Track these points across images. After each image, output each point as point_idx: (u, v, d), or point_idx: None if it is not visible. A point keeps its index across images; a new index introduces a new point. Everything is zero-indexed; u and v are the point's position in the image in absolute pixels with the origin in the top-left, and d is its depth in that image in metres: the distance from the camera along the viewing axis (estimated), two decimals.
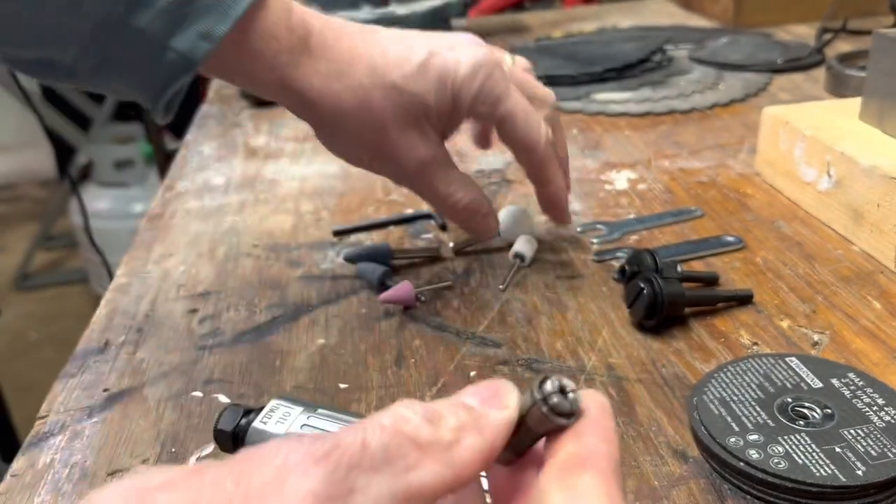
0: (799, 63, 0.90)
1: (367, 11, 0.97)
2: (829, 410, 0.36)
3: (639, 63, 0.91)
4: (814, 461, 0.33)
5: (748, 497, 0.33)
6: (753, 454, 0.33)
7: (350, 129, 0.45)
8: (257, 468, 0.18)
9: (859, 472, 0.32)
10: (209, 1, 0.40)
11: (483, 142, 0.56)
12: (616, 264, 0.52)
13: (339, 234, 0.59)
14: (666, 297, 0.44)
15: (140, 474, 0.18)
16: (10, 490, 0.37)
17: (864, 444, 0.33)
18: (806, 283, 0.49)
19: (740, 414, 0.36)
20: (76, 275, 2.49)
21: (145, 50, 0.41)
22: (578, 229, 0.57)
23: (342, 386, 0.43)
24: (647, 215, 0.59)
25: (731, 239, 0.54)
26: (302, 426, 0.34)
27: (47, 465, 0.39)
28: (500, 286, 0.50)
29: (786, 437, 0.34)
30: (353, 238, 0.59)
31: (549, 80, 0.88)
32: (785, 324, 0.45)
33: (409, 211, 0.62)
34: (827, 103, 0.64)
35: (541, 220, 0.56)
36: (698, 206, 0.59)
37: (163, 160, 1.83)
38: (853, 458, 0.33)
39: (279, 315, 0.50)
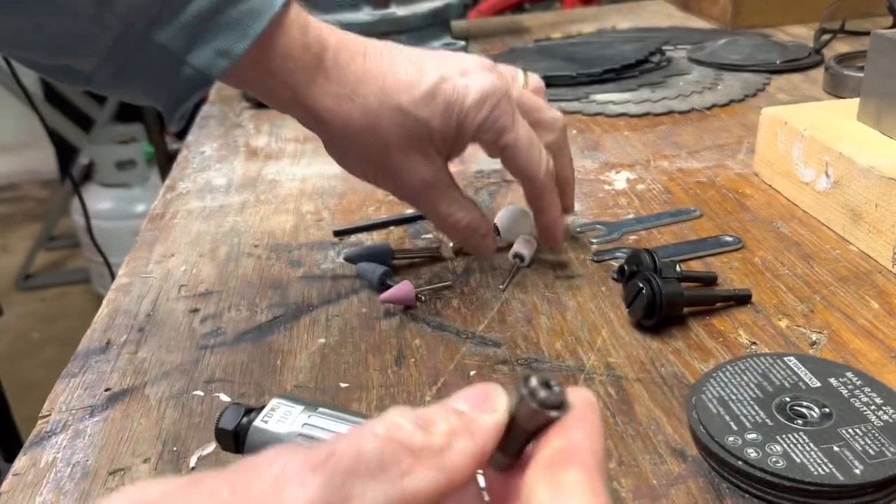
0: (797, 64, 0.91)
1: (367, 13, 0.97)
2: (827, 410, 0.36)
3: (638, 64, 0.91)
4: (812, 460, 0.33)
5: (746, 496, 0.34)
6: (752, 453, 0.34)
7: (357, 148, 0.47)
8: (254, 477, 0.18)
9: (857, 471, 0.32)
10: (229, 19, 0.41)
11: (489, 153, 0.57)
12: (615, 264, 0.52)
13: (340, 234, 0.59)
14: (665, 297, 0.44)
15: (137, 487, 0.18)
16: (12, 489, 0.37)
17: (862, 443, 0.34)
18: (804, 283, 0.49)
19: (739, 413, 0.36)
20: (78, 275, 2.49)
21: (163, 64, 0.42)
22: (578, 229, 0.57)
23: (343, 385, 0.43)
24: (645, 215, 0.59)
25: (729, 239, 0.54)
26: (303, 425, 0.34)
27: (49, 464, 0.39)
28: (500, 286, 0.51)
29: (784, 436, 0.34)
30: (354, 238, 0.59)
31: (549, 81, 0.88)
32: (783, 323, 0.45)
33: (410, 211, 0.62)
34: (825, 104, 0.64)
35: None
36: (697, 206, 0.60)
37: (164, 161, 1.84)
38: (851, 457, 0.33)
39: (280, 315, 0.50)
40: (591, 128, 0.78)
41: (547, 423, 0.21)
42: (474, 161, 0.71)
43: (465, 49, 1.02)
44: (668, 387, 0.41)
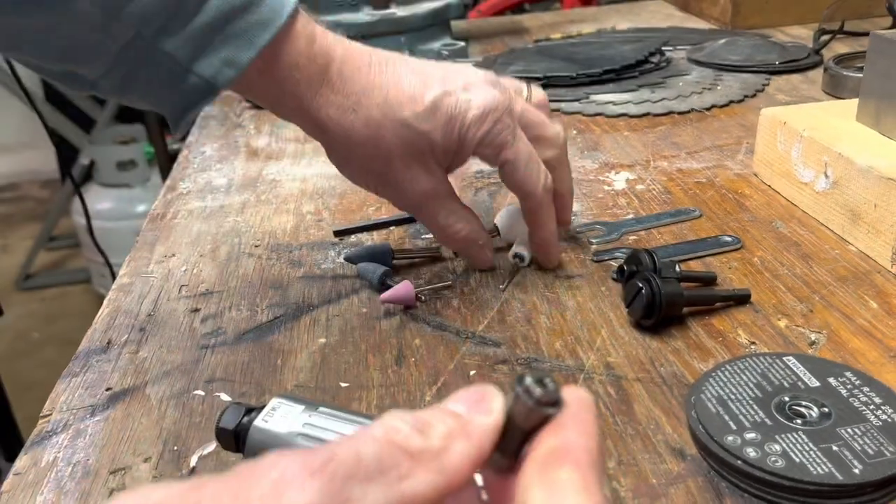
0: (796, 64, 0.91)
1: (367, 13, 0.98)
2: (826, 409, 0.36)
3: (637, 64, 0.91)
4: (811, 459, 0.33)
5: (746, 495, 0.34)
6: (751, 452, 0.34)
7: (359, 158, 0.47)
8: (255, 482, 0.18)
9: (856, 471, 0.32)
10: (236, 29, 0.42)
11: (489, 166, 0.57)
12: (615, 264, 0.52)
13: (340, 234, 0.59)
14: (664, 297, 0.44)
15: (138, 492, 0.19)
16: (13, 488, 0.38)
17: (861, 442, 0.34)
18: (803, 283, 0.49)
19: (738, 412, 0.36)
20: (78, 275, 2.50)
21: (169, 72, 0.42)
22: (578, 229, 0.57)
23: (343, 385, 0.43)
24: (645, 215, 0.59)
25: (728, 239, 0.54)
26: (303, 425, 0.34)
27: (50, 463, 0.39)
28: (501, 286, 0.51)
29: (783, 436, 0.34)
30: (354, 238, 0.59)
31: (549, 82, 0.89)
32: (782, 323, 0.45)
33: None
34: (824, 104, 0.64)
35: None
36: (696, 206, 0.60)
37: (165, 161, 1.84)
38: (850, 457, 0.33)
39: (280, 314, 0.50)
40: (591, 128, 0.78)
41: (543, 421, 0.21)
42: (474, 161, 0.71)
43: (464, 49, 1.02)
44: (668, 386, 0.41)
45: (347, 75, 0.45)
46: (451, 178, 0.51)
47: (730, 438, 0.35)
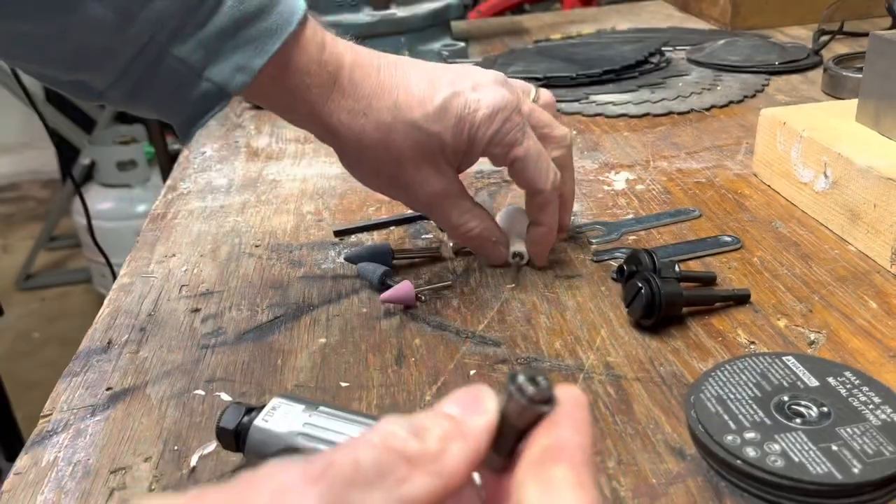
0: (796, 65, 0.91)
1: (367, 14, 0.98)
2: (826, 409, 0.36)
3: (637, 65, 0.91)
4: (810, 459, 0.33)
5: (745, 495, 0.34)
6: (750, 452, 0.34)
7: (371, 161, 0.48)
8: (255, 492, 0.19)
9: (855, 471, 0.32)
10: (248, 36, 0.42)
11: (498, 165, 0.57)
12: (614, 264, 0.52)
13: (340, 234, 0.59)
14: (664, 297, 0.44)
15: None
16: (13, 488, 0.38)
17: (861, 442, 0.34)
18: (803, 283, 0.49)
19: (737, 412, 0.36)
20: (79, 275, 2.50)
21: (181, 79, 0.42)
22: (578, 229, 0.58)
23: (343, 384, 0.43)
24: (645, 215, 0.59)
25: (728, 239, 0.54)
26: (304, 424, 0.34)
27: (51, 463, 0.39)
28: (510, 285, 0.51)
29: (782, 436, 0.34)
30: (354, 238, 0.59)
31: (549, 82, 0.89)
32: (782, 323, 0.45)
33: (410, 211, 0.62)
34: (824, 105, 0.64)
35: None
36: (696, 206, 0.60)
37: (165, 161, 1.84)
38: (849, 457, 0.33)
39: (281, 314, 0.50)
40: (591, 128, 0.78)
41: (537, 419, 0.22)
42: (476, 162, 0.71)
43: (464, 50, 1.02)
44: (667, 386, 0.41)
45: (357, 80, 0.46)
46: None
47: (729, 438, 0.35)
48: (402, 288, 0.49)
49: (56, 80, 0.44)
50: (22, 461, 0.39)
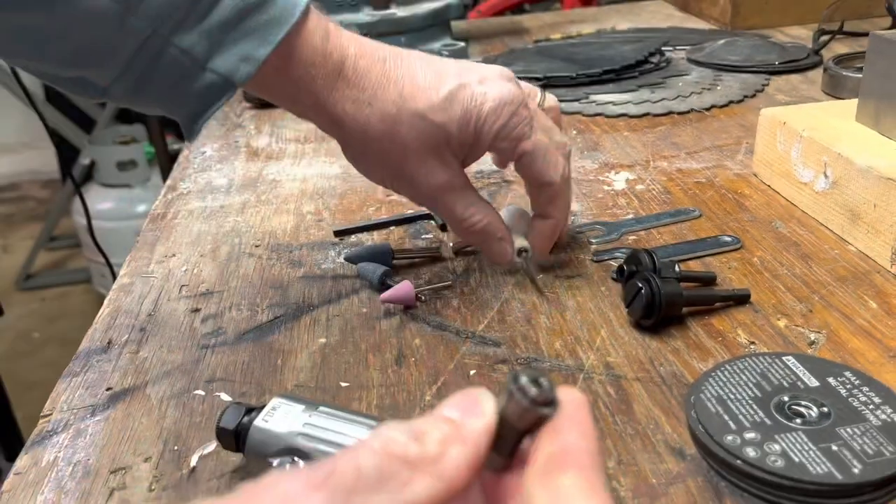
0: (796, 65, 0.91)
1: (367, 13, 0.98)
2: (826, 409, 0.36)
3: (637, 65, 0.92)
4: (810, 459, 0.33)
5: (745, 495, 0.34)
6: (750, 452, 0.34)
7: (375, 153, 0.47)
8: (259, 502, 0.19)
9: (855, 471, 0.32)
10: (251, 26, 0.42)
11: (502, 165, 0.57)
12: (614, 264, 0.52)
13: (340, 234, 0.59)
14: (664, 297, 0.44)
15: None
16: (13, 488, 0.38)
17: (861, 442, 0.34)
18: (803, 283, 0.49)
19: (737, 412, 0.36)
20: (79, 275, 2.50)
21: (185, 72, 0.42)
22: (578, 229, 0.58)
23: (343, 384, 0.43)
24: (645, 215, 0.59)
25: (728, 239, 0.54)
26: (304, 424, 0.34)
27: (51, 463, 0.39)
28: (539, 277, 0.51)
29: (782, 436, 0.34)
30: (354, 238, 0.59)
31: (549, 82, 0.89)
32: (782, 323, 0.45)
33: (410, 211, 0.62)
34: (824, 104, 0.64)
35: None
36: (696, 206, 0.60)
37: (165, 161, 1.84)
38: (849, 457, 0.33)
39: (281, 314, 0.50)
40: (591, 128, 0.78)
41: (538, 421, 0.21)
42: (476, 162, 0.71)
43: (464, 50, 1.02)
44: (667, 386, 0.41)
45: (363, 70, 0.45)
46: None
47: (729, 438, 0.35)
48: (402, 288, 0.49)
49: (57, 77, 0.44)
50: (22, 461, 0.39)
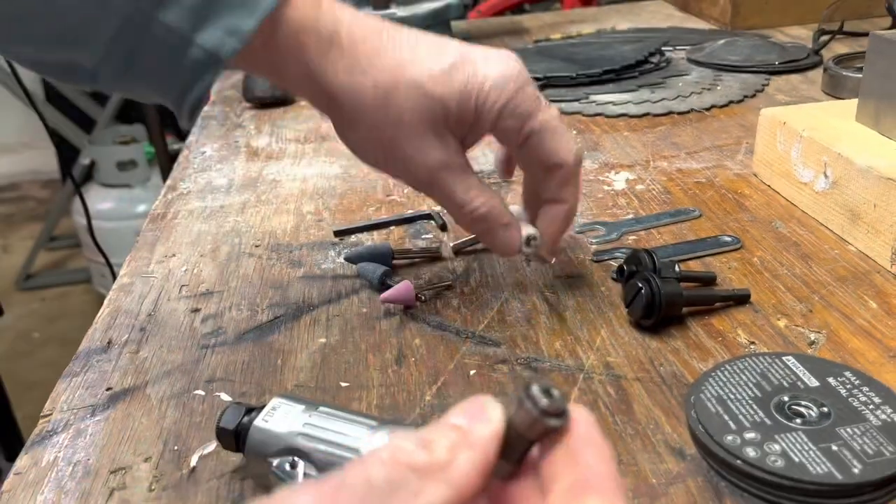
0: (796, 65, 0.91)
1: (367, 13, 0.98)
2: (826, 409, 0.36)
3: (637, 65, 0.91)
4: (810, 459, 0.33)
5: (745, 495, 0.34)
6: (750, 452, 0.34)
7: (369, 127, 0.44)
8: None
9: (855, 471, 0.32)
10: None
11: (506, 169, 0.54)
12: (614, 264, 0.52)
13: (340, 234, 0.59)
14: (664, 297, 0.44)
15: None
16: (13, 488, 0.38)
17: (861, 442, 0.34)
18: (803, 283, 0.49)
19: (737, 412, 0.36)
20: (79, 275, 2.50)
21: (170, 48, 0.40)
22: (577, 229, 0.58)
23: (343, 384, 0.43)
24: (645, 215, 0.59)
25: (728, 239, 0.54)
26: (304, 424, 0.34)
27: (51, 463, 0.39)
28: (552, 269, 0.50)
29: (782, 436, 0.34)
30: (354, 238, 0.59)
31: (549, 82, 0.89)
32: (782, 323, 0.45)
33: (410, 211, 0.62)
34: (824, 104, 0.64)
35: None
36: (696, 206, 0.60)
37: (165, 161, 1.84)
38: (849, 457, 0.33)
39: (281, 314, 0.50)
40: (591, 128, 0.78)
41: (547, 431, 0.21)
42: (474, 161, 0.71)
43: None
44: (667, 386, 0.41)
45: (358, 38, 0.43)
46: None
47: (729, 438, 0.35)
48: (402, 288, 0.49)
49: (42, 62, 0.42)
50: (22, 461, 0.39)
